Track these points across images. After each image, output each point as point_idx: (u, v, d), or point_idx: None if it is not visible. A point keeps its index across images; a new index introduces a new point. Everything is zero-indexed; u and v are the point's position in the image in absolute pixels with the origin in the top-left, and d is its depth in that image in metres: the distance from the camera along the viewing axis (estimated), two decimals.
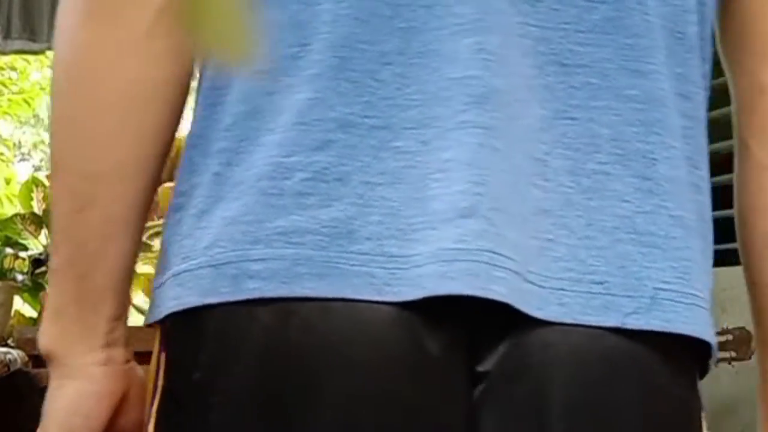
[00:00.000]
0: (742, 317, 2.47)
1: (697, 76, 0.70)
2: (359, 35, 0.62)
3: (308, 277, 0.59)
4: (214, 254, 0.62)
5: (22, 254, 2.72)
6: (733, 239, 2.59)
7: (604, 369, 0.60)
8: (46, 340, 0.73)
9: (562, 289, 0.60)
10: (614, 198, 0.63)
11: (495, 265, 0.58)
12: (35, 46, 3.76)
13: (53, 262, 0.73)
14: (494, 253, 0.58)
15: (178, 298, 0.64)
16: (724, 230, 2.87)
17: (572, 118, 0.63)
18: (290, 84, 0.63)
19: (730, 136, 2.72)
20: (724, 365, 2.52)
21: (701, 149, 0.71)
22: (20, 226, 2.77)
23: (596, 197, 0.62)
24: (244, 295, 0.60)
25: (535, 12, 0.63)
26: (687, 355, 0.66)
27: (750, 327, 2.90)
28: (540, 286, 0.60)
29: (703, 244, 0.67)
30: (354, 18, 0.62)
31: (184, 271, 0.64)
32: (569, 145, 0.63)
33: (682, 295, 0.63)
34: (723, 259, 2.76)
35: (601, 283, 0.61)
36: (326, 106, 0.61)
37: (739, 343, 2.39)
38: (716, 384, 2.59)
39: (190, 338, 0.63)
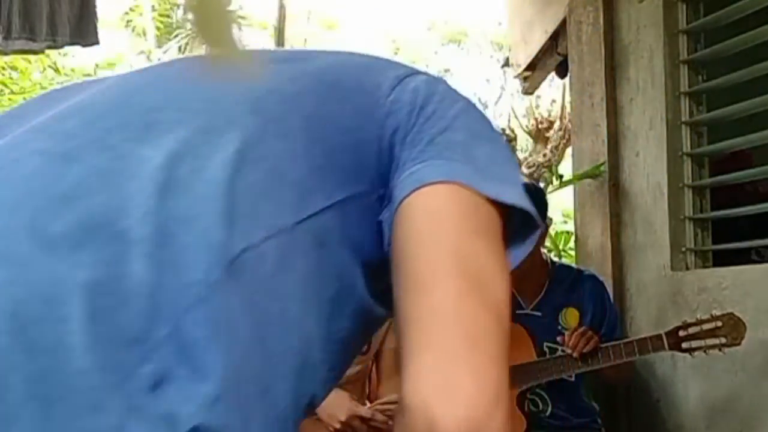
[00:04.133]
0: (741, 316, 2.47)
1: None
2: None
3: None
4: None
5: None
6: (732, 240, 2.59)
7: None
8: None
9: None
10: None
11: None
12: (35, 46, 3.76)
13: None
14: None
15: None
16: (723, 230, 2.86)
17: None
18: None
19: (730, 137, 2.71)
20: (722, 365, 2.51)
21: None
22: None
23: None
24: None
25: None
26: None
27: (747, 320, 2.86)
28: None
29: None
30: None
31: None
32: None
33: None
34: (723, 258, 2.77)
35: None
36: None
37: (728, 329, 2.37)
38: (715, 383, 2.57)
39: None
